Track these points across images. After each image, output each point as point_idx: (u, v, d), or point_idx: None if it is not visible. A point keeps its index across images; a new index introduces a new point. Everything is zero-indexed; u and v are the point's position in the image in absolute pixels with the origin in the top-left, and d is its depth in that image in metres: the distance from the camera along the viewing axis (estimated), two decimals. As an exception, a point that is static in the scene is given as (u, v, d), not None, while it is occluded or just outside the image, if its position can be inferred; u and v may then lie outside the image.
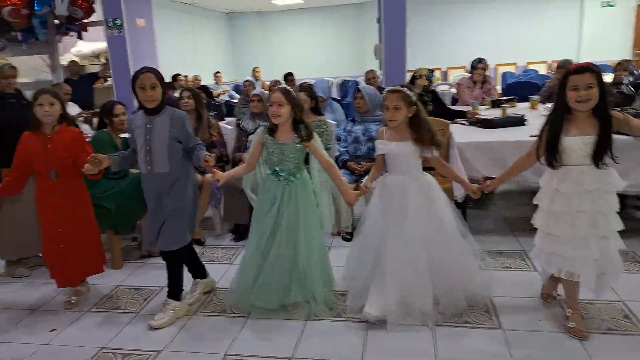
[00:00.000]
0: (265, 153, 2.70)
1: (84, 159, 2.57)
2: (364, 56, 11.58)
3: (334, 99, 6.32)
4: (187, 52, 10.53)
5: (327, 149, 3.82)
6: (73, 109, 5.47)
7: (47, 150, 2.73)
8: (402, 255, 2.50)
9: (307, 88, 3.93)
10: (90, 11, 6.19)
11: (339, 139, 4.00)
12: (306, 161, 2.78)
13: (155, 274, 3.32)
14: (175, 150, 2.55)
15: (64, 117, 2.82)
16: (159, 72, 2.53)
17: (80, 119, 5.39)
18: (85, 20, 6.32)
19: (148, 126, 2.53)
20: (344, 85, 8.97)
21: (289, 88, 2.62)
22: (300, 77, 7.88)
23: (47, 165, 2.75)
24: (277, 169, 2.62)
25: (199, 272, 2.97)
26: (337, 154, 3.94)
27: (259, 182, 2.80)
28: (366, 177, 2.77)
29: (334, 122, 4.14)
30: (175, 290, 2.77)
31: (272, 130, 2.62)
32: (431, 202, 2.56)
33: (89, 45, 7.80)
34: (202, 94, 4.31)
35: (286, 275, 2.62)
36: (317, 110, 3.94)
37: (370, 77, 5.61)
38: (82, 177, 2.84)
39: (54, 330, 2.72)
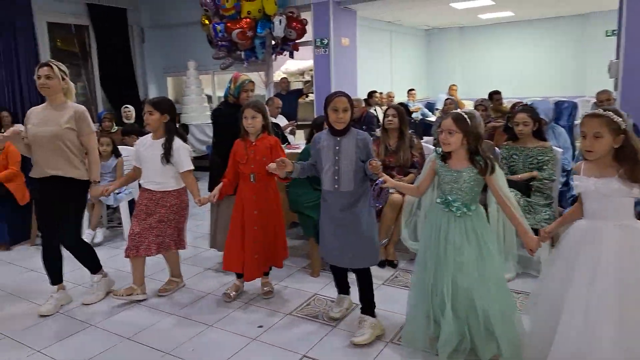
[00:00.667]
0: (437, 179, 2.50)
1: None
2: (584, 74, 10.22)
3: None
4: (384, 69, 10.72)
5: (552, 181, 3.38)
6: (282, 121, 5.95)
7: (250, 155, 3.01)
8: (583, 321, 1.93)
9: (529, 109, 3.51)
10: (302, 32, 6.72)
11: (564, 171, 3.46)
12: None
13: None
14: (359, 169, 2.59)
15: (265, 127, 3.07)
16: (350, 97, 2.60)
17: (288, 129, 5.85)
18: (297, 41, 6.89)
19: (337, 147, 2.60)
20: (557, 107, 7.99)
21: (463, 115, 2.30)
22: (506, 97, 7.24)
23: (248, 168, 3.03)
24: (449, 198, 2.37)
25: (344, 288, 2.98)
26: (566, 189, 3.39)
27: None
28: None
29: (559, 149, 3.60)
30: (369, 307, 2.73)
31: (445, 156, 2.40)
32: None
33: (296, 64, 8.53)
34: (404, 113, 4.22)
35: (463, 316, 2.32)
36: (540, 134, 3.48)
37: (603, 98, 4.81)
38: (276, 182, 3.10)
39: (260, 326, 2.88)
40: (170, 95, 9.25)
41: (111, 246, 4.44)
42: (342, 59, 7.03)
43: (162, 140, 3.05)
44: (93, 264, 3.23)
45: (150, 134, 3.13)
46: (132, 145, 4.46)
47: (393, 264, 3.72)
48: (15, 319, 3.03)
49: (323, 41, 6.82)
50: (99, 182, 3.08)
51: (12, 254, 4.30)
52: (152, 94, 8.92)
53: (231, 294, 3.21)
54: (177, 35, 8.60)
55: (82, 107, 2.99)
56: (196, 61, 7.96)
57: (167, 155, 3.01)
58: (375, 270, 2.87)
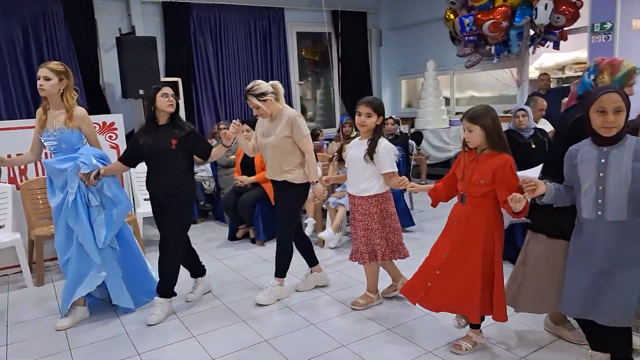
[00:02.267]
0: None
1: (512, 189, 2.14)
2: None
3: None
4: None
5: None
6: (546, 126, 4.80)
7: (467, 173, 2.34)
8: None
9: None
10: (574, 17, 5.42)
11: None
12: None
13: None
14: (637, 194, 1.93)
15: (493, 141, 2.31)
16: (625, 94, 1.97)
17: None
18: (566, 28, 5.60)
19: (602, 160, 2.00)
20: None
21: None
22: None
23: (461, 186, 2.39)
24: None
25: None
26: None
27: None
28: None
29: None
30: None
31: None
32: None
33: (554, 57, 7.11)
34: None
35: None
36: None
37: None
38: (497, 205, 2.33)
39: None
40: (404, 99, 8.87)
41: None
42: (631, 47, 5.43)
43: (367, 139, 2.83)
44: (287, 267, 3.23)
45: (358, 137, 2.94)
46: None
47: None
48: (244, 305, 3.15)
49: (604, 25, 5.37)
50: (316, 182, 3.04)
51: (265, 250, 4.35)
52: (386, 98, 8.67)
53: (463, 345, 2.46)
54: (415, 35, 8.15)
55: (296, 113, 3.04)
56: (435, 61, 7.34)
57: (371, 151, 2.75)
58: None
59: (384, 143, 2.79)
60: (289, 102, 7.70)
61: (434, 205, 2.59)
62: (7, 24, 5.56)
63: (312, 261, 3.32)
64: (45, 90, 2.83)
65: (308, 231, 4.26)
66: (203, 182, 5.77)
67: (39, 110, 2.95)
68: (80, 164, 2.84)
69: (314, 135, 6.65)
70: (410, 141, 5.95)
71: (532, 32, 5.68)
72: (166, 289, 3.02)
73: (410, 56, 8.29)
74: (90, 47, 6.12)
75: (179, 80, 6.45)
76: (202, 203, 5.63)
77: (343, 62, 7.99)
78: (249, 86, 2.97)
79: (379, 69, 8.74)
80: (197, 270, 3.34)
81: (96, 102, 6.04)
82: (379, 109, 2.78)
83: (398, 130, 5.61)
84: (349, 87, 7.97)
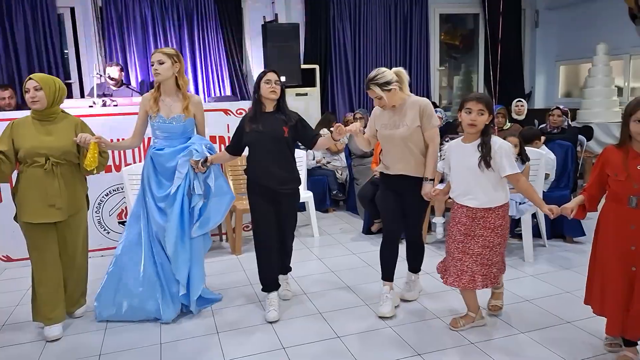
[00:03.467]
0: None
1: None
2: None
3: None
4: None
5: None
6: None
7: (632, 171, 2.09)
8: None
9: None
10: None
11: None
12: None
13: None
14: None
15: None
16: None
17: None
18: None
19: None
20: None
21: None
22: None
23: (628, 188, 2.11)
24: None
25: None
26: None
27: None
28: None
29: None
30: None
31: None
32: None
33: None
34: None
35: None
36: None
37: None
38: None
39: None
40: (561, 87, 7.80)
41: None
42: None
43: (475, 142, 2.45)
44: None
45: (460, 137, 2.59)
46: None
47: None
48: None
49: None
50: (431, 179, 2.72)
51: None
52: (540, 86, 7.73)
53: None
54: (580, 15, 7.06)
55: (426, 100, 2.77)
56: (606, 44, 6.26)
57: (485, 157, 2.39)
58: None
59: (498, 142, 2.44)
60: (427, 89, 7.24)
61: (579, 217, 2.35)
62: (165, 19, 5.96)
63: (392, 275, 2.92)
64: (161, 74, 2.78)
65: (439, 232, 3.96)
66: (336, 171, 5.63)
67: (146, 97, 2.90)
68: (193, 151, 2.79)
69: (454, 126, 6.10)
70: (580, 136, 5.13)
71: None
72: (273, 282, 2.93)
73: (572, 38, 7.22)
74: (236, 36, 6.33)
75: (317, 67, 6.40)
76: (334, 192, 5.50)
77: (491, 46, 7.26)
78: (371, 74, 2.69)
79: (533, 53, 7.79)
80: (284, 269, 3.14)
81: (240, 90, 6.26)
82: (490, 107, 2.43)
83: (566, 123, 4.84)
84: (494, 73, 7.21)
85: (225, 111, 4.42)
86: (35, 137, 2.59)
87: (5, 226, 3.67)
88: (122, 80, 5.30)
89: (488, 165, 2.38)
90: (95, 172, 2.70)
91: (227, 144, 3.33)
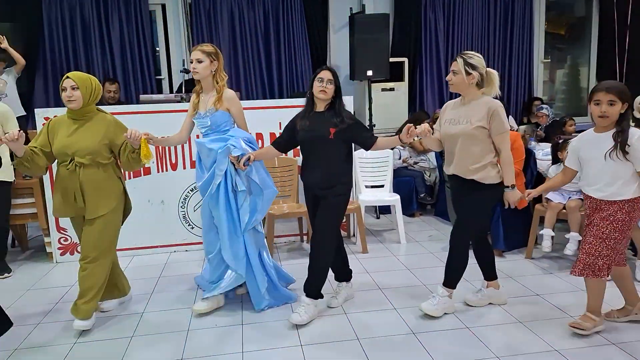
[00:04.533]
0: None
1: None
2: None
3: None
4: None
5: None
6: None
7: None
8: None
9: None
10: None
11: None
12: None
13: None
14: None
15: None
16: None
17: None
18: None
19: None
20: None
21: None
22: None
23: None
24: None
25: None
26: None
27: None
28: None
29: None
30: None
31: None
32: None
33: None
34: None
35: None
36: None
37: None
38: None
39: None
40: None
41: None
42: None
43: (610, 132, 2.37)
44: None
45: (592, 129, 2.49)
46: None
47: None
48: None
49: None
50: (512, 186, 2.63)
51: (505, 263, 3.57)
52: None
53: None
54: None
55: (498, 102, 2.61)
56: None
57: (622, 146, 2.30)
58: None
59: (638, 134, 2.33)
60: (529, 83, 6.57)
61: None
62: (252, 11, 5.89)
63: (490, 274, 2.91)
64: (199, 72, 2.81)
65: (546, 246, 3.53)
66: (424, 172, 5.23)
67: (193, 94, 2.96)
68: (231, 147, 2.75)
69: (561, 124, 5.43)
70: None
71: None
72: (312, 288, 2.75)
73: None
74: (321, 28, 6.11)
75: (405, 60, 6.00)
76: (422, 195, 5.10)
77: (606, 35, 6.42)
78: (465, 51, 2.66)
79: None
80: (343, 274, 3.01)
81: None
82: (622, 95, 2.32)
83: None
84: (612, 65, 6.35)
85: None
86: (64, 137, 2.65)
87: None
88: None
89: (625, 153, 2.29)
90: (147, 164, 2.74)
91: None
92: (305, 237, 4.28)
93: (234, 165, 2.76)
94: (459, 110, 2.68)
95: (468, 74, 2.57)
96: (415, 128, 2.56)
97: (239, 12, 5.87)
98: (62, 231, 3.90)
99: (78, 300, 2.66)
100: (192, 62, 2.81)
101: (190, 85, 4.94)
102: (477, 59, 2.59)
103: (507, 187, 2.61)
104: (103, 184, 2.69)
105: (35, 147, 2.64)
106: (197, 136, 3.04)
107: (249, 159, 2.72)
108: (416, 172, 5.18)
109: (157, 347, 2.53)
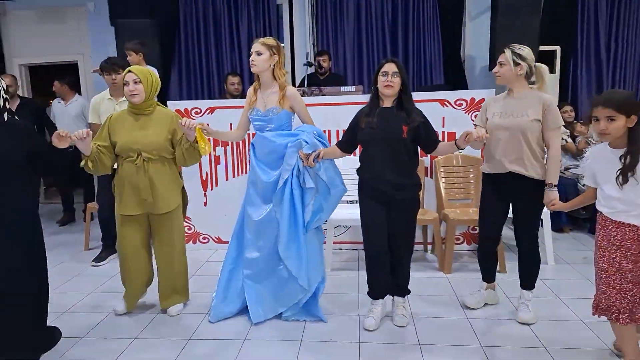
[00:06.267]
0: None
1: None
2: None
3: None
4: None
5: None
6: None
7: None
8: None
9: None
10: None
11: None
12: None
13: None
14: None
15: None
16: None
17: None
18: None
19: None
20: None
21: None
22: None
23: None
24: None
25: None
26: None
27: None
28: None
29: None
30: None
31: None
32: None
33: None
34: None
35: None
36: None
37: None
38: None
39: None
40: None
41: None
42: None
43: (621, 151, 2.05)
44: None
45: (604, 142, 2.14)
46: None
47: None
48: None
49: None
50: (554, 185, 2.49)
51: None
52: None
53: None
54: None
55: (551, 96, 2.56)
56: None
57: (630, 168, 1.98)
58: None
59: None
60: None
61: None
62: (381, 2, 5.54)
63: (492, 277, 2.89)
64: (257, 65, 2.66)
65: None
66: (577, 180, 4.41)
67: (250, 90, 2.80)
68: (303, 142, 2.62)
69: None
70: None
71: None
72: (404, 288, 2.73)
73: None
74: (455, 16, 5.53)
75: (557, 48, 5.17)
76: (583, 212, 4.29)
77: None
78: (514, 44, 2.56)
79: None
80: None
81: (455, 76, 5.46)
82: (623, 107, 2.00)
83: None
84: None
85: (442, 102, 3.75)
86: (129, 133, 2.62)
87: (218, 209, 3.93)
88: (330, 70, 5.14)
89: (625, 181, 2.00)
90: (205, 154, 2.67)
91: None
92: (429, 247, 3.81)
93: (302, 161, 2.64)
94: (509, 103, 2.58)
95: (516, 64, 2.50)
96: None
97: (365, 3, 5.57)
98: (186, 220, 3.90)
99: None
100: (251, 55, 2.70)
101: (313, 79, 4.84)
102: (526, 50, 2.52)
103: (549, 185, 2.48)
104: (170, 178, 2.69)
105: (100, 145, 2.62)
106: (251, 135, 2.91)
107: (318, 155, 2.63)
108: (568, 180, 4.37)
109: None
